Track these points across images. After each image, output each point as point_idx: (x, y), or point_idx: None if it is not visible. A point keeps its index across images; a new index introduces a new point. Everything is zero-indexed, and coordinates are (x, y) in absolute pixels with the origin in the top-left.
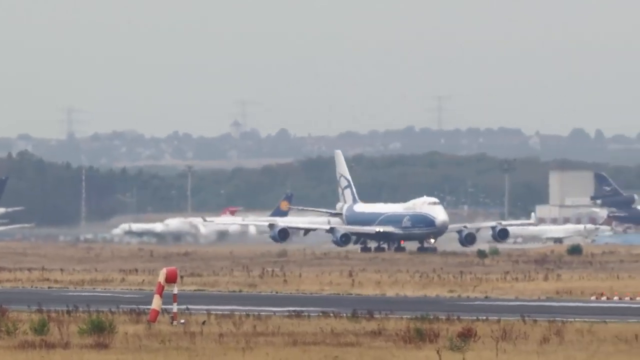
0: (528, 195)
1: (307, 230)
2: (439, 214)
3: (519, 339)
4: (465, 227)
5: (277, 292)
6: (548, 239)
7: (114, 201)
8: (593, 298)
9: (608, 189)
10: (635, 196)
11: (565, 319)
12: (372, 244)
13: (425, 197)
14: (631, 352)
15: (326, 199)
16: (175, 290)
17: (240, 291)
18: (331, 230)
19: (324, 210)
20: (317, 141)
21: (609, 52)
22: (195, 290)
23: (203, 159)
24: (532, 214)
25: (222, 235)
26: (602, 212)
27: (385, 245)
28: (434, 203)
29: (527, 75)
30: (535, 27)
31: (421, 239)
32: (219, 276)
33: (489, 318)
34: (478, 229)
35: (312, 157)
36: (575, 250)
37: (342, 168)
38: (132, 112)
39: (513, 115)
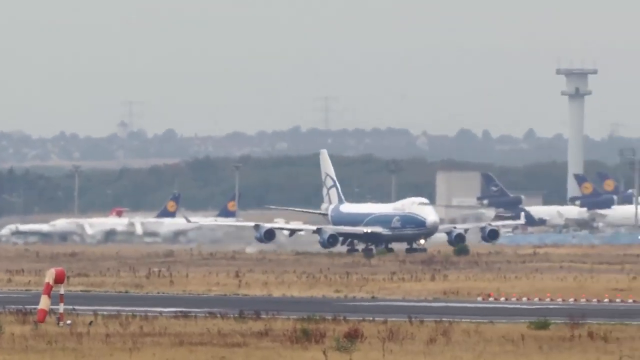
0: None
1: (292, 232)
2: (429, 214)
3: (406, 340)
4: (454, 227)
5: (163, 293)
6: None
7: (1, 202)
8: (480, 298)
9: (495, 189)
10: (522, 197)
11: (452, 320)
12: (360, 246)
13: (414, 197)
14: (517, 353)
15: (214, 199)
16: (62, 290)
17: (126, 292)
18: (318, 231)
19: (310, 210)
20: (204, 141)
21: (495, 53)
22: (81, 290)
23: (90, 159)
24: (522, 213)
25: (109, 235)
26: (489, 213)
27: (372, 247)
28: (424, 203)
29: (414, 76)
30: (420, 29)
31: (411, 240)
32: (105, 277)
33: (376, 318)
34: (467, 230)
35: (199, 157)
36: (461, 250)
37: (328, 167)
38: (18, 112)
39: (400, 116)
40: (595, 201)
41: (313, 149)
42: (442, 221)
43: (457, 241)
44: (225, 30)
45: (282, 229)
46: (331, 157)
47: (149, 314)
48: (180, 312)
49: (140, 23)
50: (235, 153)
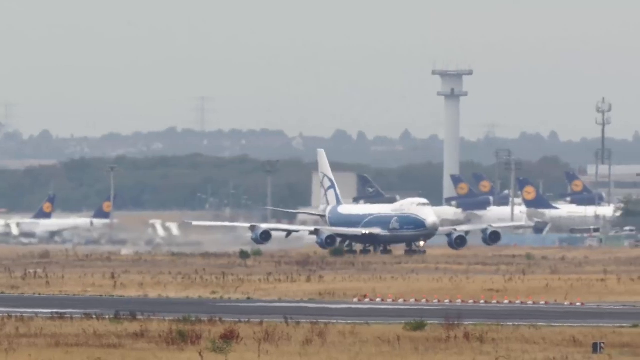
0: (291, 197)
1: (289, 232)
2: (429, 215)
3: (282, 340)
4: (454, 229)
5: (39, 294)
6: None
7: None
8: (356, 299)
9: (371, 190)
10: (398, 197)
11: (328, 321)
12: (358, 247)
13: (414, 197)
14: (393, 354)
15: (90, 200)
16: None
17: (2, 293)
18: (316, 232)
19: (308, 212)
20: (80, 142)
21: (370, 54)
22: None
23: None
24: (525, 216)
25: None
26: None
27: (371, 248)
28: (423, 204)
29: (290, 77)
30: (296, 29)
31: (410, 241)
32: None
33: (252, 319)
34: (468, 232)
35: (75, 158)
36: (337, 251)
37: (325, 168)
38: None
39: (276, 117)
40: (471, 202)
41: (188, 150)
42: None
43: (458, 243)
44: (99, 32)
45: (278, 230)
46: (206, 158)
47: (24, 315)
48: (56, 313)
49: (17, 23)
50: (110, 154)
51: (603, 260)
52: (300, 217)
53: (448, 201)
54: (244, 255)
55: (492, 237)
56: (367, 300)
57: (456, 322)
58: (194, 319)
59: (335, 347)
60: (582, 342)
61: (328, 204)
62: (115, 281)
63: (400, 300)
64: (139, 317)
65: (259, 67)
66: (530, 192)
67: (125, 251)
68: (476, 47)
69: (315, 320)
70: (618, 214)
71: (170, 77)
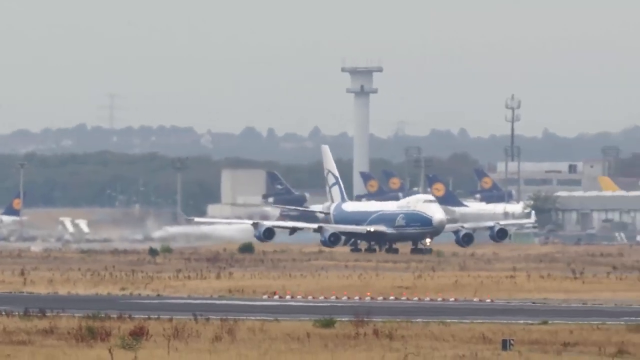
0: (200, 194)
1: (293, 230)
2: (436, 212)
3: (191, 337)
4: (462, 227)
5: None
6: (220, 237)
7: None
8: (265, 296)
9: (280, 187)
10: (307, 194)
11: (237, 318)
12: (363, 245)
13: (420, 194)
14: (303, 351)
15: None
16: None
17: None
18: (319, 230)
19: (312, 209)
20: None
21: (279, 51)
22: None
23: None
24: (532, 212)
25: None
26: (274, 211)
27: (376, 247)
28: (430, 201)
29: (199, 74)
30: (208, 26)
31: (416, 239)
32: None
33: (161, 316)
34: (475, 229)
35: None
36: (247, 248)
37: (330, 164)
38: None
39: (185, 114)
40: (381, 199)
41: (98, 147)
42: (227, 219)
43: (465, 240)
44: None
45: (281, 227)
46: (115, 155)
47: None
48: None
49: None
50: (20, 150)
51: (512, 257)
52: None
53: (358, 198)
54: (153, 252)
55: (500, 234)
56: (276, 297)
57: (365, 319)
58: (103, 315)
59: (245, 344)
60: (492, 339)
61: (332, 201)
62: (24, 278)
63: (310, 298)
64: (49, 313)
65: (168, 63)
66: (439, 189)
67: (35, 248)
68: (386, 45)
69: (224, 317)
70: (527, 210)
71: (80, 73)
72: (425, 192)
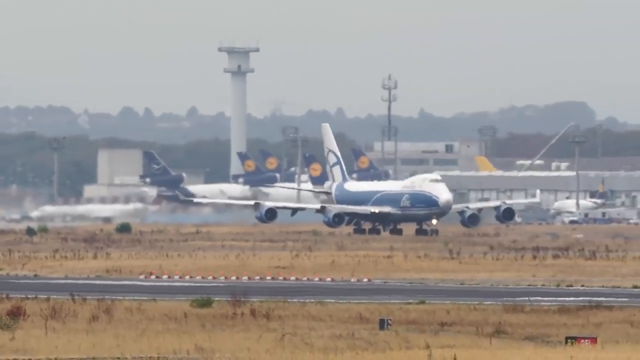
0: (78, 174)
1: (294, 210)
2: (442, 192)
3: (69, 317)
4: (467, 207)
5: None
6: (97, 217)
7: None
8: (142, 277)
9: (157, 167)
10: (184, 175)
11: (114, 298)
12: (367, 226)
13: (425, 174)
14: (180, 330)
15: None
16: None
17: None
18: (322, 210)
19: (312, 189)
20: None
21: (152, 29)
22: None
23: None
24: (537, 191)
25: None
26: (152, 191)
27: (380, 227)
28: (436, 180)
29: (76, 52)
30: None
31: (421, 220)
32: None
33: (38, 296)
34: (480, 209)
35: None
36: (124, 228)
37: (331, 143)
38: None
39: (62, 94)
40: (258, 179)
41: None
42: (103, 199)
43: (471, 221)
44: None
45: (283, 207)
46: None
47: None
48: None
49: None
50: None
51: (390, 237)
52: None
53: (235, 178)
54: (30, 232)
55: (506, 214)
56: (153, 277)
57: (243, 299)
58: None
59: (122, 324)
60: (369, 319)
61: (334, 180)
62: None
63: (187, 278)
64: None
65: (44, 43)
66: (316, 169)
67: None
68: (263, 25)
69: (101, 297)
70: None
71: None
72: (302, 172)
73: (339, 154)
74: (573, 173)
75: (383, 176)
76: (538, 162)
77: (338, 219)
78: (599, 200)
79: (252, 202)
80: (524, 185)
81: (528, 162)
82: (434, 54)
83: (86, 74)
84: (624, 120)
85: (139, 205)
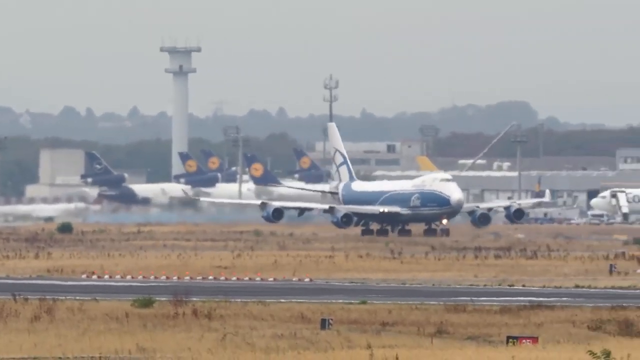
0: (19, 174)
1: (302, 210)
2: (454, 192)
3: (10, 317)
4: (477, 207)
5: None
6: (39, 217)
7: None
8: (84, 276)
9: (99, 167)
10: (126, 175)
11: (56, 297)
12: (375, 226)
13: (436, 173)
14: (122, 330)
15: None
16: None
17: None
18: (330, 210)
19: (320, 190)
20: None
21: (94, 29)
22: None
23: None
24: (547, 191)
25: None
26: (93, 191)
27: (388, 228)
28: (447, 180)
29: (17, 53)
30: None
31: (431, 220)
32: None
33: None
34: (490, 209)
35: None
36: (65, 228)
37: (337, 142)
38: None
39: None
40: (200, 179)
41: None
42: (45, 199)
43: (481, 221)
44: None
45: (290, 207)
46: None
47: None
48: None
49: None
50: None
51: (331, 237)
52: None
53: (176, 178)
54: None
55: (516, 215)
56: (95, 277)
57: (184, 299)
58: None
59: (64, 324)
60: (311, 319)
61: (340, 180)
62: None
63: (129, 277)
64: None
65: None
66: (258, 169)
67: None
68: (205, 24)
69: (43, 297)
70: None
71: None
72: (243, 172)
73: (345, 153)
74: (515, 173)
75: (324, 176)
76: (480, 161)
77: (347, 220)
78: (535, 200)
79: (258, 202)
80: (466, 185)
81: (470, 161)
82: (375, 53)
83: (28, 74)
84: (565, 120)
85: (80, 205)
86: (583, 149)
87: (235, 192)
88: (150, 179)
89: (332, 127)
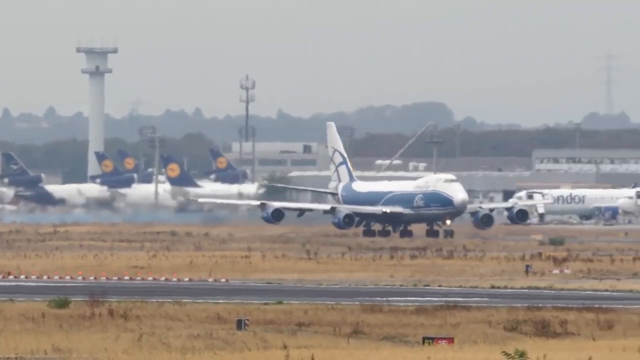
0: None
1: (302, 211)
2: (458, 192)
3: None
4: (480, 207)
5: None
6: None
7: None
8: (0, 277)
9: (15, 167)
10: (42, 175)
11: None
12: (377, 227)
13: (439, 173)
14: (38, 331)
15: None
16: None
17: None
18: (332, 211)
19: (321, 190)
20: None
21: (20, 29)
22: None
23: None
24: (546, 194)
25: None
26: (9, 192)
27: (390, 228)
28: (451, 180)
29: None
30: None
31: (434, 220)
32: None
33: None
34: (493, 210)
35: None
36: None
37: (336, 141)
38: None
39: None
40: (116, 179)
41: None
42: None
43: (484, 222)
44: None
45: (291, 208)
46: None
47: None
48: None
49: None
50: None
51: (247, 237)
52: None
53: (92, 179)
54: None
55: (519, 216)
56: (11, 277)
57: (100, 299)
58: None
59: None
60: (227, 319)
61: (339, 180)
62: None
63: (45, 278)
64: None
65: None
66: (174, 170)
67: None
68: (121, 25)
69: None
70: (262, 191)
71: None
72: (159, 172)
73: (345, 153)
74: (431, 173)
75: (240, 177)
76: (396, 162)
77: (349, 220)
78: None
79: (258, 203)
80: None
81: (386, 162)
82: (292, 54)
83: None
84: (481, 120)
85: None
86: (499, 149)
87: (151, 193)
88: (67, 180)
89: (331, 126)
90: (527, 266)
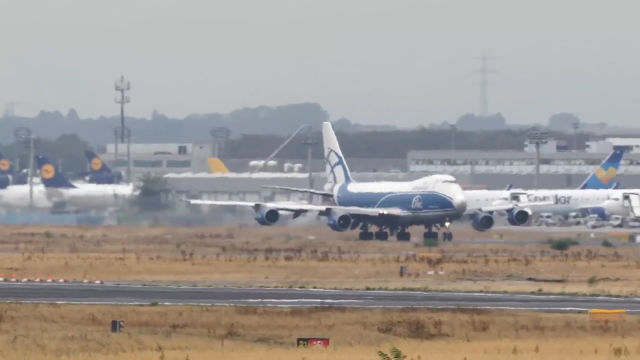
0: None
1: (297, 212)
2: (457, 193)
3: None
4: (480, 209)
5: None
6: None
7: None
8: None
9: None
10: None
11: None
12: (374, 229)
13: (438, 174)
14: None
15: None
16: None
17: None
18: (327, 212)
19: (316, 191)
20: None
21: None
22: None
23: None
24: (552, 192)
25: None
26: None
27: (387, 230)
28: (450, 181)
29: None
30: None
31: (433, 222)
32: None
33: None
34: (492, 212)
35: None
36: None
37: (332, 142)
38: None
39: None
40: None
41: None
42: None
43: (484, 224)
44: None
45: (285, 209)
46: None
47: None
48: None
49: None
50: None
51: (122, 239)
52: None
53: None
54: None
55: (519, 217)
56: None
57: None
58: None
59: None
60: (102, 321)
61: (335, 181)
62: None
63: None
64: None
65: None
66: (49, 171)
67: None
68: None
69: None
70: (137, 192)
71: None
72: (34, 173)
73: (340, 153)
74: (306, 174)
75: (115, 178)
76: (271, 163)
77: (344, 222)
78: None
79: (252, 204)
80: (257, 187)
81: (261, 163)
82: (167, 55)
83: None
84: (356, 121)
85: None
86: (374, 150)
87: (26, 194)
88: None
89: (327, 126)
90: (402, 267)
